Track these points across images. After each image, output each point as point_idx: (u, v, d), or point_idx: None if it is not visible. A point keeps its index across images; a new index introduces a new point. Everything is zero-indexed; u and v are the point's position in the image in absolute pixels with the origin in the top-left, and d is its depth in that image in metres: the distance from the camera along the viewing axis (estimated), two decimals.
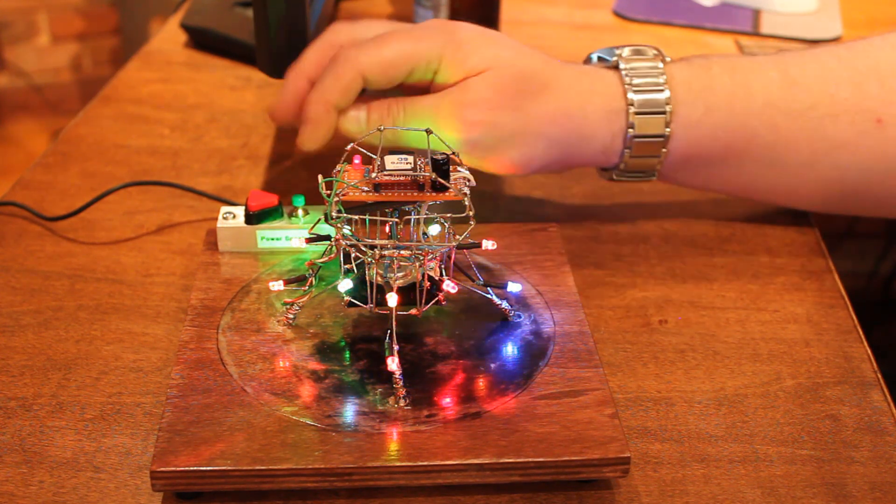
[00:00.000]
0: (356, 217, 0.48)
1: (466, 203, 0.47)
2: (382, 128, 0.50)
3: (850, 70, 0.59)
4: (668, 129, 0.58)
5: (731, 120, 0.59)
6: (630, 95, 0.58)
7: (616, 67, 0.59)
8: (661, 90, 0.58)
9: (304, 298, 0.51)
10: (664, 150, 0.59)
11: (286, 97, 0.58)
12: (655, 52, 0.60)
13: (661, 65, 0.59)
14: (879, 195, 0.61)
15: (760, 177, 0.61)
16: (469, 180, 0.49)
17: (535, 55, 0.59)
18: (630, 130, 0.58)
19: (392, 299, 0.47)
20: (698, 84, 0.59)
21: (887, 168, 0.59)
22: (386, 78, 0.56)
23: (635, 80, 0.58)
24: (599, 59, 0.62)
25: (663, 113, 0.58)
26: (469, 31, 0.58)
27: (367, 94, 0.57)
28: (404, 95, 0.58)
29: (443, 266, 0.50)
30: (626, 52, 0.60)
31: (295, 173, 0.70)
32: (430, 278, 0.49)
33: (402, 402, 0.46)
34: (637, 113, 0.58)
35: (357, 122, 0.57)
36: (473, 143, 0.56)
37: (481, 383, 0.47)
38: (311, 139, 0.56)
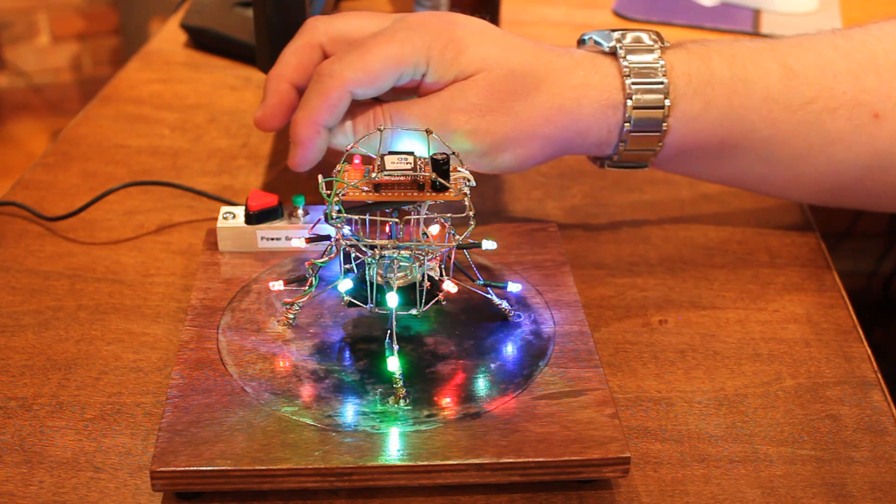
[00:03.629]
0: (356, 217, 0.48)
1: (466, 203, 0.47)
2: (382, 128, 0.50)
3: (848, 61, 0.58)
4: (665, 124, 0.57)
5: (729, 114, 0.57)
6: (628, 88, 0.56)
7: (613, 54, 0.57)
8: (661, 83, 0.56)
9: (304, 298, 0.51)
10: (660, 144, 0.58)
11: (269, 103, 0.57)
12: (654, 37, 0.58)
13: (660, 54, 0.57)
14: (873, 189, 0.60)
15: (754, 170, 0.60)
16: (469, 180, 0.49)
17: (525, 49, 0.57)
18: (626, 125, 0.56)
19: (392, 299, 0.47)
20: (698, 77, 0.57)
21: (882, 163, 0.58)
22: (373, 88, 0.54)
23: (634, 73, 0.56)
24: (594, 42, 0.59)
25: (661, 108, 0.56)
26: (455, 28, 0.55)
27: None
28: (394, 99, 0.57)
29: (443, 266, 0.50)
30: (624, 38, 0.58)
31: (295, 173, 0.70)
32: (430, 278, 0.49)
33: (402, 402, 0.46)
34: (635, 107, 0.56)
35: (344, 135, 0.56)
36: (466, 150, 0.55)
37: (481, 383, 0.47)
38: (302, 161, 0.55)
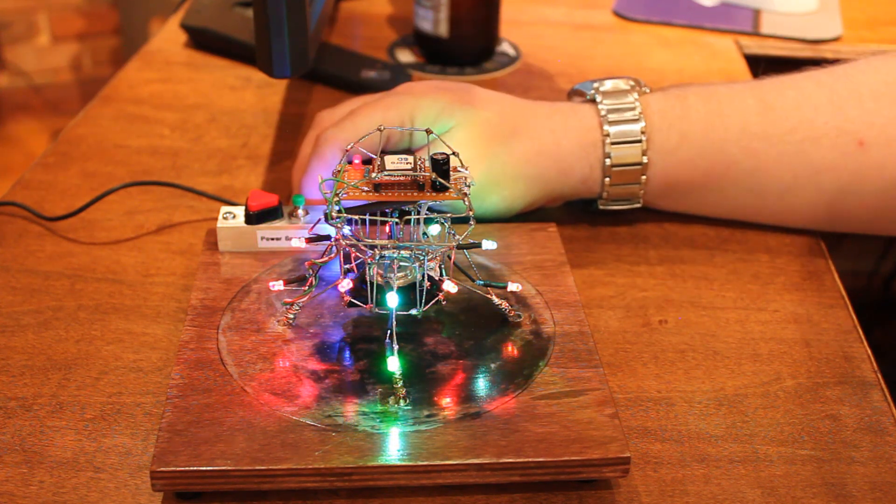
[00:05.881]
0: (356, 217, 0.48)
1: (466, 203, 0.47)
2: (382, 127, 0.50)
3: (829, 93, 0.60)
4: (645, 158, 0.59)
5: (707, 146, 0.60)
6: (606, 127, 0.59)
7: (593, 101, 0.61)
8: (637, 120, 0.59)
9: (304, 298, 0.51)
10: (643, 177, 0.60)
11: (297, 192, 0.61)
12: (633, 83, 0.61)
13: (636, 95, 0.60)
14: (866, 216, 0.61)
15: (744, 201, 0.62)
16: (469, 180, 0.49)
17: (504, 101, 0.61)
18: (607, 160, 0.59)
19: (392, 299, 0.47)
20: (673, 113, 0.60)
21: (872, 189, 0.59)
22: (365, 150, 0.58)
23: (610, 112, 0.60)
24: (578, 92, 0.63)
25: (639, 142, 0.59)
26: (435, 93, 0.60)
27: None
28: None
29: (443, 266, 0.50)
30: (602, 85, 0.61)
31: None
32: (430, 278, 0.49)
33: (402, 402, 0.46)
34: (613, 143, 0.59)
35: None
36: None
37: (481, 383, 0.47)
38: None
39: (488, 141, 0.59)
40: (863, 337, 0.55)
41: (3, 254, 0.61)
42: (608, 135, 0.59)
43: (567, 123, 0.60)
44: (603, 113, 0.60)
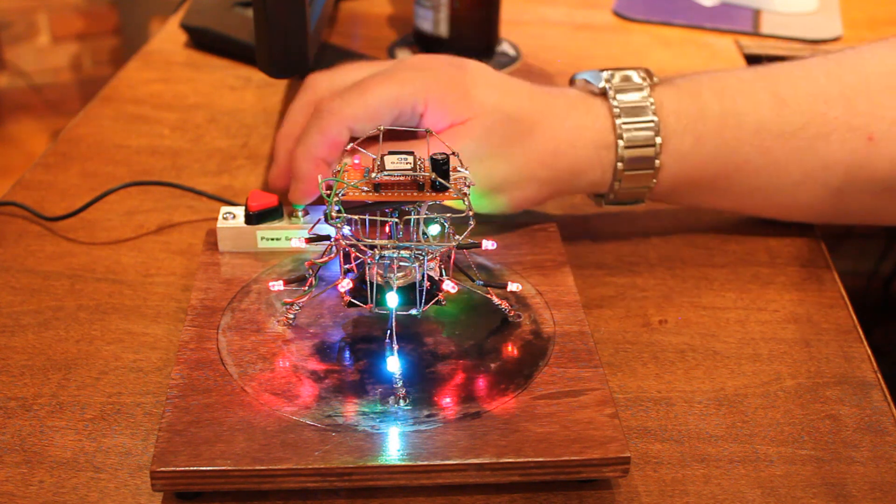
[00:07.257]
0: (356, 217, 0.48)
1: (466, 203, 0.47)
2: (382, 127, 0.50)
3: (840, 86, 0.58)
4: (657, 162, 0.58)
5: (721, 148, 0.58)
6: (619, 129, 0.57)
7: (603, 94, 0.58)
8: (651, 122, 0.57)
9: (304, 298, 0.51)
10: (654, 181, 0.58)
11: (280, 163, 0.58)
12: (643, 75, 0.59)
13: (649, 92, 0.58)
14: (872, 210, 0.61)
15: (751, 198, 0.61)
16: (469, 180, 0.49)
17: (520, 91, 0.58)
18: (619, 164, 0.57)
19: (392, 299, 0.47)
20: (688, 114, 0.58)
21: (880, 184, 0.59)
22: (372, 126, 0.55)
23: (624, 112, 0.57)
24: (585, 81, 0.60)
25: (653, 145, 0.57)
26: (454, 72, 0.57)
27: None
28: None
29: (443, 266, 0.50)
30: (613, 78, 0.59)
31: None
32: (430, 278, 0.49)
33: (402, 402, 0.46)
34: (627, 146, 0.57)
35: None
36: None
37: (481, 383, 0.47)
38: (303, 196, 0.56)
39: (505, 139, 0.56)
40: (863, 337, 0.55)
41: (3, 254, 0.61)
42: (622, 136, 0.57)
43: (582, 122, 0.57)
44: (616, 112, 0.57)
